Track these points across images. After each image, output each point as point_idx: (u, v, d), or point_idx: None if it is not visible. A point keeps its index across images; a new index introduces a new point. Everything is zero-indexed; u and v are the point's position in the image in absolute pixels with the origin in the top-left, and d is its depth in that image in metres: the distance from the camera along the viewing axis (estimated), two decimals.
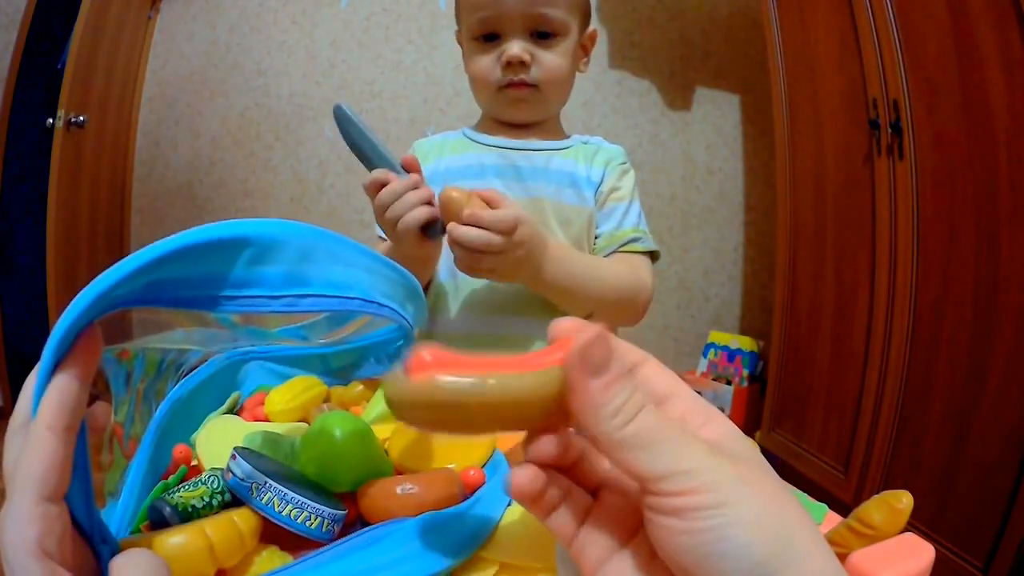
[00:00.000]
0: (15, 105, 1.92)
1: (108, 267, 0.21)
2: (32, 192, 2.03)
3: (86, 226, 2.00)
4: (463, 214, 0.51)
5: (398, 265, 0.37)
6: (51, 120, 1.80)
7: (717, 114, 2.23)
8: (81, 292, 0.20)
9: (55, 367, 0.20)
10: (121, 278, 0.21)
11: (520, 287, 0.62)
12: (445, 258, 0.55)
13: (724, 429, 0.20)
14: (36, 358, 0.20)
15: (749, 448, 0.20)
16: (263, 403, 0.47)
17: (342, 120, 0.53)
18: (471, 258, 0.53)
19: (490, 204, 0.53)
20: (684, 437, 0.18)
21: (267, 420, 0.46)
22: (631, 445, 0.18)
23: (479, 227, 0.51)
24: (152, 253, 0.22)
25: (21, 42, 1.90)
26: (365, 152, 0.54)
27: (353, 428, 0.34)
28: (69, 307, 0.20)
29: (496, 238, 0.51)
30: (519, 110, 0.68)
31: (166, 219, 2.25)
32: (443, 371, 0.18)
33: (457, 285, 0.67)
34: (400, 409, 0.18)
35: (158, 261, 0.22)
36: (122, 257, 0.21)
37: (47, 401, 0.19)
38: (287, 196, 2.24)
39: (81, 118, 1.87)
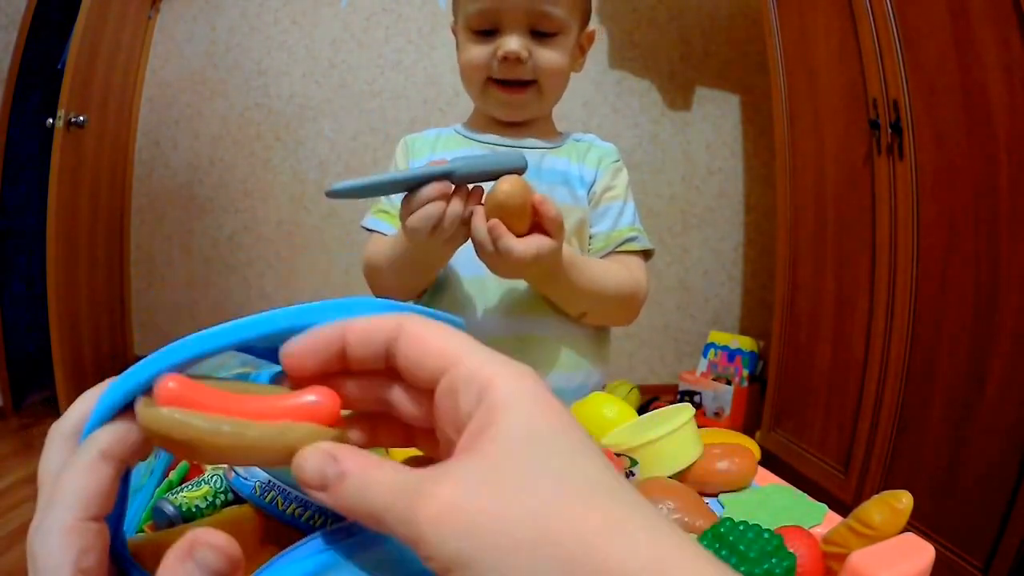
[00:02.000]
0: (15, 105, 1.92)
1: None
2: (32, 192, 2.03)
3: (86, 226, 2.00)
4: (488, 223, 0.50)
5: (415, 306, 0.37)
6: (51, 120, 1.80)
7: (717, 114, 2.23)
8: (185, 340, 0.19)
9: (129, 402, 0.19)
10: (229, 344, 0.20)
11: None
12: (472, 256, 0.54)
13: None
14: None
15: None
16: None
17: (343, 195, 0.51)
18: (477, 247, 0.53)
19: (537, 212, 0.51)
20: None
21: None
22: None
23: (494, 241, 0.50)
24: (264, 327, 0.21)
25: (21, 42, 1.90)
26: (383, 187, 0.52)
27: None
28: (166, 350, 0.19)
29: (498, 262, 0.52)
30: (508, 107, 0.67)
31: (166, 219, 2.25)
32: (181, 408, 0.18)
33: (485, 285, 0.66)
34: (145, 432, 0.18)
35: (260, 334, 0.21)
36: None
37: (111, 430, 0.19)
38: (287, 196, 2.24)
39: (81, 118, 1.86)
